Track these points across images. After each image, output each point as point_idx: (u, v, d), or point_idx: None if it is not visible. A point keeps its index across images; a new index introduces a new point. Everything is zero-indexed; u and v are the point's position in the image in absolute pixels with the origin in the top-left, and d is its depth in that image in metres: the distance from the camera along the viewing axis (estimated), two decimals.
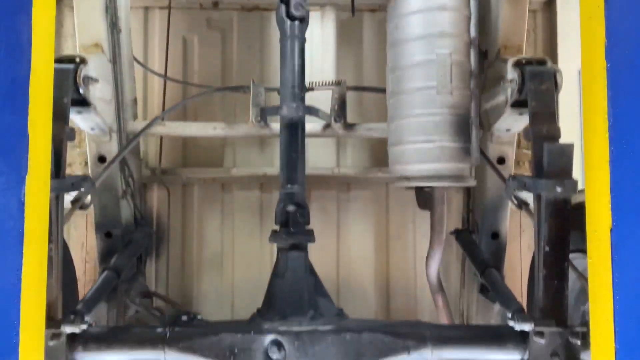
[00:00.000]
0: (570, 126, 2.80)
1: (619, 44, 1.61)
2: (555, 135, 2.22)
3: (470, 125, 2.34)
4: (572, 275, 2.24)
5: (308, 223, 2.44)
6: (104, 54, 2.74)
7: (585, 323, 2.08)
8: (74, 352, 2.16)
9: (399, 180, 2.44)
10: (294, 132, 2.50)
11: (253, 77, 3.09)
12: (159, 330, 2.23)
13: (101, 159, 2.93)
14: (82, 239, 3.67)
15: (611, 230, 1.59)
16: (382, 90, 2.68)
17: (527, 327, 2.08)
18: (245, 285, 3.66)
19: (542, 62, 2.41)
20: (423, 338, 2.19)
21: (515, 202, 2.39)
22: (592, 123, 1.67)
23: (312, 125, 3.02)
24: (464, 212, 3.39)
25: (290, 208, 2.42)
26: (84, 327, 2.12)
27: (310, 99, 2.72)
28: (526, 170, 3.46)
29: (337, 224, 3.68)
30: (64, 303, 2.23)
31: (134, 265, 3.16)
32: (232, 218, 3.69)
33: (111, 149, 2.91)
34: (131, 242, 3.07)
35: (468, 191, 3.34)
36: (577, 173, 2.18)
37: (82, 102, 2.44)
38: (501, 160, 2.93)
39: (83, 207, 2.42)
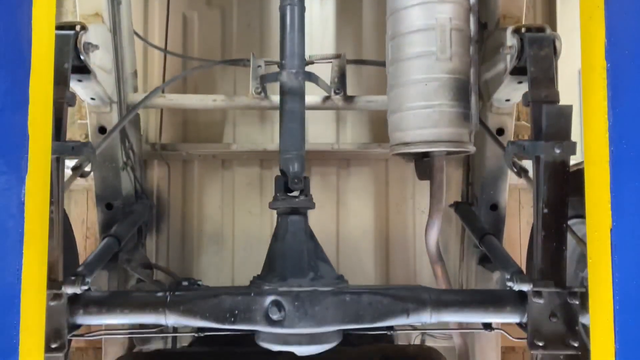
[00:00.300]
0: None
1: (619, 44, 1.61)
2: (554, 99, 2.22)
3: (469, 91, 2.34)
4: (570, 243, 2.25)
5: (308, 189, 2.45)
6: (104, 23, 2.75)
7: (584, 285, 2.10)
8: (74, 316, 2.17)
9: (398, 147, 2.44)
10: (293, 99, 2.50)
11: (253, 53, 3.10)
12: (160, 294, 2.23)
13: (101, 129, 2.93)
14: (83, 215, 3.70)
15: (611, 230, 1.60)
16: (382, 64, 2.68)
17: (526, 287, 2.09)
18: (245, 260, 3.68)
19: (541, 30, 2.41)
20: (422, 301, 2.20)
21: (515, 169, 2.38)
22: (592, 123, 1.68)
23: (312, 97, 3.03)
24: (463, 186, 3.40)
25: (290, 174, 2.43)
26: (85, 288, 2.13)
27: None
28: None
29: (337, 200, 3.70)
30: (65, 270, 2.23)
31: (135, 236, 3.17)
32: (232, 194, 3.71)
33: (111, 119, 2.91)
34: (132, 213, 3.08)
35: (467, 165, 3.35)
36: None
37: (83, 70, 2.45)
38: (500, 132, 2.94)
39: (83, 175, 2.42)
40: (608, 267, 1.61)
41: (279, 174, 2.48)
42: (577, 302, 2.07)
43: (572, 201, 2.14)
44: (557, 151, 2.10)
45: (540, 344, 2.09)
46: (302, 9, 2.58)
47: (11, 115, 1.54)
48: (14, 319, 1.51)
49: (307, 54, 2.77)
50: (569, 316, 2.10)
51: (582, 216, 1.87)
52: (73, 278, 2.12)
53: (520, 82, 2.52)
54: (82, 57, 2.36)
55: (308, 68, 2.71)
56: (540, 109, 2.15)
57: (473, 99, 2.35)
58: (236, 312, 2.11)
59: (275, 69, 2.80)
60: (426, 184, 2.65)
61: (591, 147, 1.70)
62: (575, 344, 2.08)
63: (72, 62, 2.31)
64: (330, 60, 3.13)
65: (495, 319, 2.26)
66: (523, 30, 2.40)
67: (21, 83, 1.58)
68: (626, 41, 1.61)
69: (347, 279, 2.35)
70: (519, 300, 2.17)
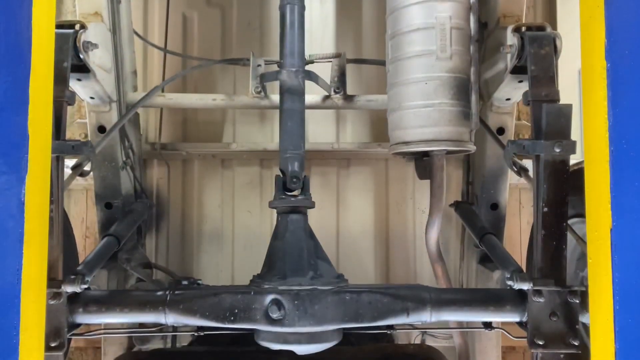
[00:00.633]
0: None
1: (619, 44, 1.61)
2: (554, 98, 2.21)
3: (469, 90, 2.34)
4: (571, 242, 2.25)
5: (307, 188, 2.45)
6: (104, 23, 2.75)
7: (584, 284, 2.10)
8: (74, 314, 2.16)
9: (398, 146, 2.44)
10: (293, 98, 2.50)
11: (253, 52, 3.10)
12: (160, 293, 2.22)
13: (101, 129, 2.93)
14: (83, 215, 3.70)
15: (611, 230, 1.60)
16: (382, 63, 2.68)
17: (526, 286, 2.09)
18: (244, 259, 3.68)
19: (541, 28, 2.41)
20: (422, 300, 2.20)
21: (515, 168, 2.38)
22: (592, 123, 1.68)
23: (311, 96, 3.03)
24: (463, 185, 3.40)
25: (290, 173, 2.43)
26: (85, 287, 2.13)
27: None
28: None
29: (337, 199, 3.70)
30: (64, 269, 2.23)
31: (134, 235, 3.17)
32: (232, 193, 3.71)
33: (111, 119, 2.91)
34: (131, 212, 3.08)
35: (467, 164, 3.35)
36: None
37: (82, 69, 2.45)
38: (501, 131, 2.94)
39: (83, 174, 2.41)
40: (608, 266, 1.61)
41: (279, 173, 2.48)
42: (577, 301, 2.07)
43: (572, 200, 2.14)
44: (557, 150, 2.10)
45: (541, 342, 2.08)
46: (302, 8, 2.58)
47: (11, 115, 1.54)
48: (14, 319, 1.51)
49: (307, 53, 2.77)
50: (569, 315, 2.09)
51: (582, 215, 1.88)
52: (73, 277, 2.11)
53: (520, 81, 2.52)
54: (81, 56, 2.35)
55: (308, 67, 2.71)
56: (541, 108, 2.15)
57: (473, 97, 2.34)
58: (236, 311, 2.11)
59: (275, 68, 2.79)
60: (426, 183, 2.64)
61: (591, 146, 1.70)
62: (576, 343, 2.07)
63: (71, 61, 2.30)
64: (330, 60, 3.12)
65: (495, 318, 2.25)
66: (523, 29, 2.39)
67: (21, 83, 1.58)
68: (626, 41, 1.61)
69: (347, 278, 2.34)
70: (519, 299, 2.17)
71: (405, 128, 2.39)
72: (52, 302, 2.08)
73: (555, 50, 2.34)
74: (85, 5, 2.71)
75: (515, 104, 2.91)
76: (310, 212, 2.46)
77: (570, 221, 2.20)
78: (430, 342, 3.54)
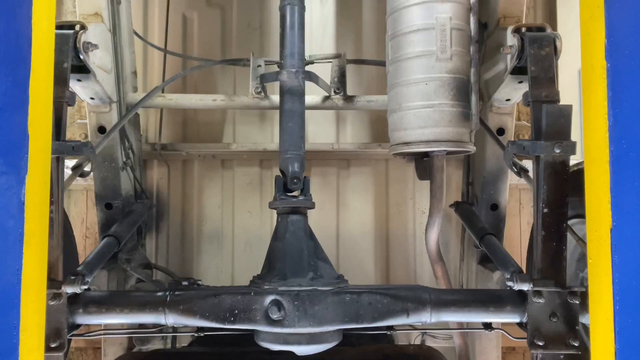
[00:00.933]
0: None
1: (619, 44, 1.62)
2: (554, 98, 2.22)
3: (469, 91, 2.34)
4: (571, 243, 2.24)
5: (307, 189, 2.45)
6: (104, 23, 2.75)
7: (584, 285, 2.10)
8: (74, 315, 2.16)
9: (399, 147, 2.44)
10: (293, 99, 2.50)
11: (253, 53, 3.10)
12: (160, 294, 2.22)
13: (101, 129, 2.93)
14: (83, 215, 3.70)
15: (611, 230, 1.60)
16: (382, 63, 2.68)
17: (526, 286, 2.09)
18: (244, 260, 3.68)
19: (541, 29, 2.41)
20: (422, 301, 2.20)
21: (515, 168, 2.38)
22: (592, 123, 1.68)
23: (311, 97, 3.03)
24: (463, 186, 3.40)
25: (290, 174, 2.43)
26: (85, 287, 2.13)
27: None
28: None
29: (337, 199, 3.70)
30: (64, 270, 2.23)
31: (134, 236, 3.17)
32: (232, 194, 3.71)
33: (111, 119, 2.91)
34: (131, 213, 3.08)
35: (467, 165, 3.34)
36: None
37: (82, 69, 2.45)
38: (501, 132, 2.94)
39: (83, 174, 2.41)
40: (608, 267, 1.61)
41: (279, 174, 2.48)
42: (577, 302, 2.08)
43: (572, 201, 2.14)
44: (557, 151, 2.10)
45: (541, 343, 2.09)
46: (302, 9, 2.58)
47: (11, 115, 1.54)
48: (14, 319, 1.51)
49: (307, 53, 2.77)
50: (569, 316, 2.10)
51: (582, 216, 1.87)
52: (73, 278, 2.11)
53: (520, 82, 2.53)
54: (81, 57, 2.36)
55: (308, 68, 2.71)
56: (541, 109, 2.16)
57: (473, 98, 2.34)
58: (236, 311, 2.11)
59: (275, 68, 2.80)
60: (426, 183, 2.64)
61: (591, 147, 1.70)
62: (576, 344, 2.08)
63: (71, 61, 2.30)
64: (330, 60, 3.12)
65: (495, 318, 2.26)
66: (523, 29, 2.40)
67: (21, 83, 1.58)
68: (626, 41, 1.61)
69: (347, 278, 2.34)
70: (519, 300, 2.17)
71: (405, 129, 2.39)
72: (52, 303, 2.09)
73: (556, 51, 2.34)
74: (85, 5, 2.72)
75: (515, 104, 2.91)
76: (310, 212, 2.46)
77: (570, 222, 2.20)
78: (430, 342, 3.54)
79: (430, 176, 2.62)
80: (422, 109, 2.34)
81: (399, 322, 2.20)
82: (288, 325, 2.06)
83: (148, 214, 3.38)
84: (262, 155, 3.66)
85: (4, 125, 1.53)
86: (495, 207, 3.08)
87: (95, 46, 2.43)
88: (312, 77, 2.67)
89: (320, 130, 3.68)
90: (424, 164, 2.71)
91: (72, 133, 3.42)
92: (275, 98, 2.96)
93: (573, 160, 2.22)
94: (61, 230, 2.14)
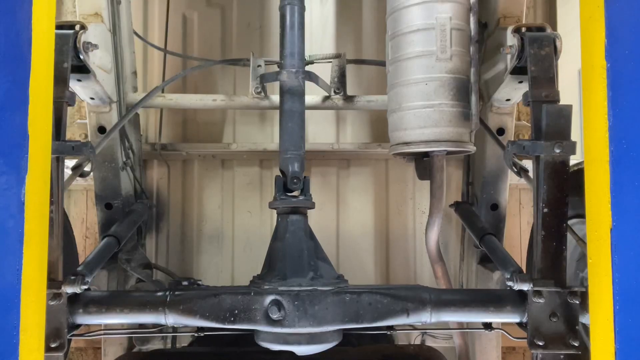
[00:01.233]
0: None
1: (619, 44, 1.62)
2: (554, 98, 2.21)
3: (469, 91, 2.34)
4: (571, 243, 2.24)
5: (308, 189, 2.45)
6: (104, 23, 2.75)
7: (584, 285, 2.10)
8: (74, 315, 2.16)
9: (399, 147, 2.44)
10: (293, 99, 2.50)
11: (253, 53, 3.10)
12: (160, 294, 2.22)
13: (101, 129, 2.93)
14: (83, 215, 3.70)
15: (611, 230, 1.60)
16: (382, 63, 2.68)
17: (526, 286, 2.09)
18: (244, 260, 3.68)
19: (541, 29, 2.41)
20: (422, 301, 2.20)
21: (515, 168, 2.38)
22: (592, 123, 1.68)
23: (311, 97, 3.03)
24: (463, 186, 3.40)
25: (290, 174, 2.43)
26: (85, 287, 2.13)
27: None
28: None
29: (337, 199, 3.70)
30: (64, 270, 2.23)
31: (134, 236, 3.17)
32: (232, 194, 3.71)
33: (111, 119, 2.91)
34: (131, 213, 3.08)
35: (467, 165, 3.35)
36: None
37: (82, 69, 2.45)
38: (501, 132, 2.94)
39: (83, 174, 2.41)
40: (608, 267, 1.61)
41: (279, 173, 2.48)
42: (577, 302, 2.08)
43: (572, 201, 2.14)
44: (557, 151, 2.10)
45: (541, 343, 2.09)
46: (302, 9, 2.58)
47: (11, 115, 1.54)
48: (14, 319, 1.51)
49: (307, 53, 2.77)
50: (569, 316, 2.10)
51: (582, 216, 1.87)
52: (73, 277, 2.11)
53: (520, 82, 2.53)
54: (81, 57, 2.36)
55: (308, 68, 2.71)
56: (541, 109, 2.15)
57: (473, 98, 2.34)
58: (236, 311, 2.11)
59: (275, 68, 2.80)
60: (426, 183, 2.64)
61: (591, 147, 1.70)
62: (576, 344, 2.08)
63: (71, 61, 2.30)
64: (330, 60, 3.13)
65: (495, 318, 2.25)
66: (523, 29, 2.39)
67: (21, 83, 1.58)
68: (626, 41, 1.61)
69: (347, 278, 2.34)
70: (519, 300, 2.17)
71: (405, 129, 2.39)
72: (52, 303, 2.08)
73: (555, 51, 2.34)
74: (85, 5, 2.72)
75: (515, 104, 2.91)
76: (310, 212, 2.46)
77: (570, 222, 2.20)
78: (430, 342, 3.54)
79: (430, 176, 2.62)
80: (422, 109, 2.34)
81: (399, 322, 2.20)
82: (288, 325, 2.06)
83: (148, 214, 3.38)
84: (262, 155, 3.66)
85: (4, 125, 1.53)
86: (495, 207, 3.08)
87: (95, 46, 2.43)
88: (312, 77, 2.67)
89: (320, 130, 3.68)
90: (424, 164, 2.71)
91: (72, 133, 3.42)
92: (275, 98, 2.97)
93: (573, 160, 2.22)
94: (61, 230, 2.14)
